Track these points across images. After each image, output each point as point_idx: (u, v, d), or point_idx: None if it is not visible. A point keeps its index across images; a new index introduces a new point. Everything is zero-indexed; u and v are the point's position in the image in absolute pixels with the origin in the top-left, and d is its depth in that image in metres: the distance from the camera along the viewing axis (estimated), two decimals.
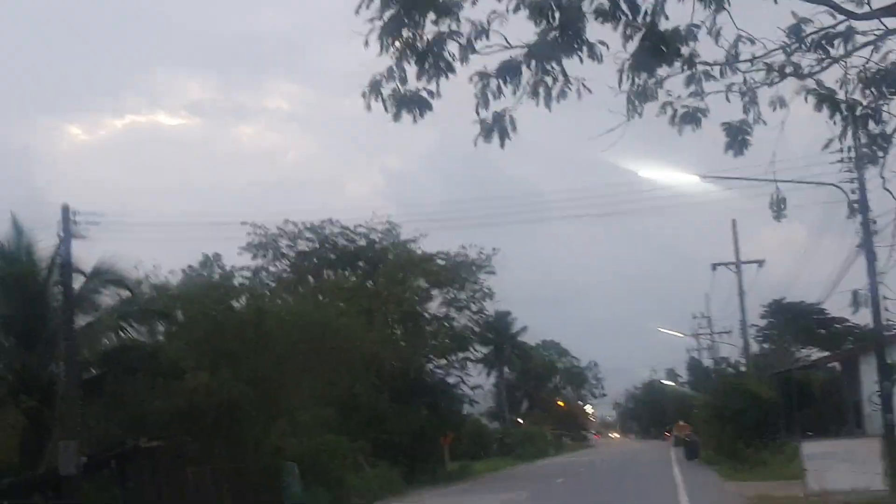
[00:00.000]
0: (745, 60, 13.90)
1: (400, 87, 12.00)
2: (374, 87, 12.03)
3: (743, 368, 60.62)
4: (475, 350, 52.41)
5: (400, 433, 45.28)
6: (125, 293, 29.36)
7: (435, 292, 51.05)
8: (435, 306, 51.41)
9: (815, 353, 64.52)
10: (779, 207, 16.11)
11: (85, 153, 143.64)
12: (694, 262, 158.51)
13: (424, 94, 12.09)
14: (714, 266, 52.40)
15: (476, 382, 55.63)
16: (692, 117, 13.79)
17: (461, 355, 52.05)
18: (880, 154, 14.98)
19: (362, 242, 52.09)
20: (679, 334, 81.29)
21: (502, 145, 12.12)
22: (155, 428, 28.65)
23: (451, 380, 52.87)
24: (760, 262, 52.06)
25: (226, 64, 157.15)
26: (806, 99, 14.39)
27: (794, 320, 69.25)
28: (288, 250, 52.55)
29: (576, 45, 12.05)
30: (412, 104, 12.32)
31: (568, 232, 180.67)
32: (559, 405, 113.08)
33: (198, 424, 29.01)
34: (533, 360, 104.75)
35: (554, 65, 12.59)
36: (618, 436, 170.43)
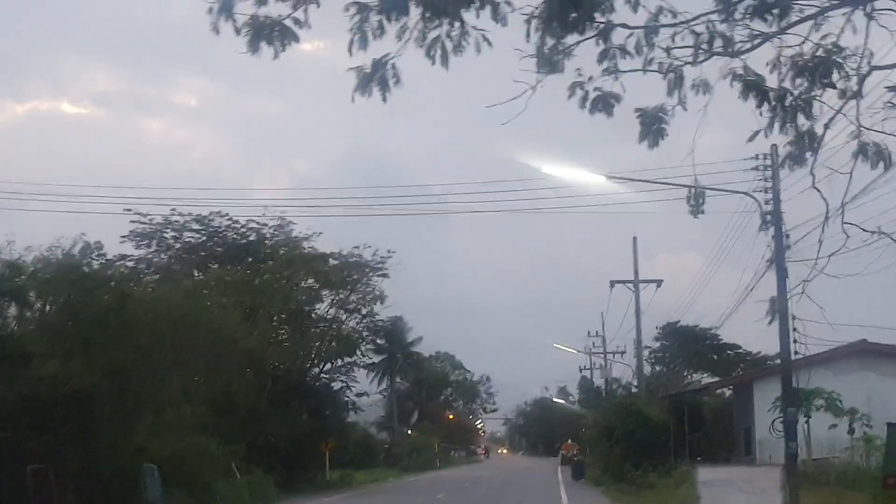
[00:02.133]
0: (668, 25, 11.92)
1: (258, 10, 9.87)
2: (226, 6, 9.69)
3: (634, 389, 59.28)
4: (363, 355, 49.82)
5: (278, 437, 42.48)
6: None
7: (325, 293, 48.39)
8: (324, 308, 48.80)
9: (707, 378, 63.59)
10: (696, 202, 14.07)
11: None
12: (593, 278, 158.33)
13: (290, 22, 10.02)
14: (612, 283, 50.52)
15: (363, 389, 53.01)
16: (605, 102, 12.06)
17: (348, 360, 49.37)
18: (808, 154, 13.21)
19: (252, 237, 49.25)
20: (573, 350, 79.71)
21: (384, 99, 10.37)
22: None
23: (336, 385, 50.17)
24: (659, 283, 50.33)
25: (134, 54, 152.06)
26: (731, 84, 12.66)
27: (687, 344, 68.41)
28: (173, 241, 49.51)
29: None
30: (273, 33, 10.10)
31: (467, 245, 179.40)
32: (449, 418, 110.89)
33: (44, 418, 25.92)
34: (426, 371, 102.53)
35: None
36: (506, 452, 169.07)
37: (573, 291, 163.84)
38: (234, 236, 49.38)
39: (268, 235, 49.06)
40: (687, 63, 13.09)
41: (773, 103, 12.91)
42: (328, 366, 49.72)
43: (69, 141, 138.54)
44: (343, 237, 51.72)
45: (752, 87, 12.82)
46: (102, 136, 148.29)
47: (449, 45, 10.82)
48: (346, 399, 51.24)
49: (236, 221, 48.95)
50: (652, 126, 11.66)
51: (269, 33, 10.06)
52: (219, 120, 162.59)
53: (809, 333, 24.29)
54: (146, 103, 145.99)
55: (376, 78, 11.49)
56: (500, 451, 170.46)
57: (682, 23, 12.28)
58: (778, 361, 54.25)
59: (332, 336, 47.11)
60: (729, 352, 68.41)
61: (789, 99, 12.98)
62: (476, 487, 47.35)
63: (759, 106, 12.42)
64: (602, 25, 11.98)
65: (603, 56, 12.09)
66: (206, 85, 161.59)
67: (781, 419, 23.20)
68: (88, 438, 26.98)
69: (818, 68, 12.98)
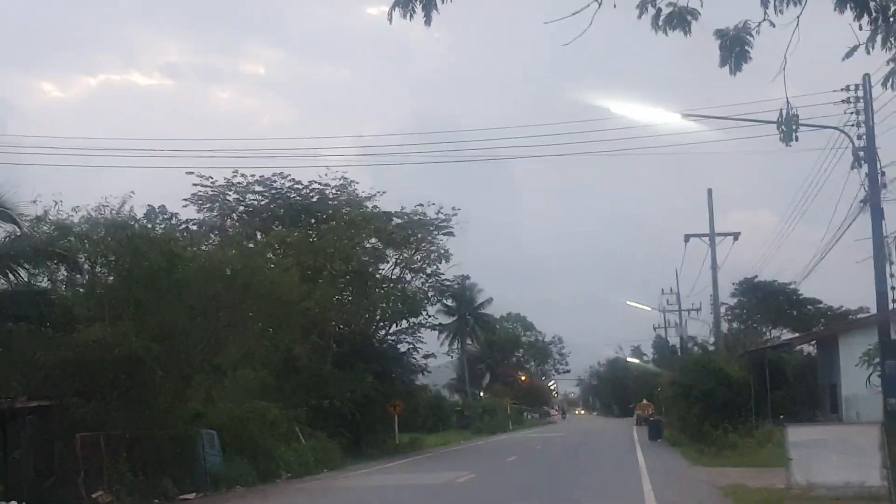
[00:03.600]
0: None
1: None
2: None
3: (711, 347, 57.07)
4: (428, 315, 48.19)
5: (343, 401, 41.14)
6: (15, 230, 24.98)
7: (389, 252, 46.83)
8: (388, 268, 47.25)
9: (786, 335, 61.06)
10: (789, 127, 12.15)
11: (57, 110, 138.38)
12: (666, 233, 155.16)
13: None
14: (687, 237, 48.31)
15: (431, 351, 51.35)
16: (680, 18, 10.17)
17: (414, 321, 47.77)
18: None
19: (315, 198, 47.81)
20: (646, 308, 77.47)
21: (427, 20, 9.24)
22: (43, 386, 24.37)
23: (402, 347, 48.65)
24: (736, 235, 47.97)
25: (203, 26, 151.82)
26: None
27: (765, 300, 65.83)
28: (236, 204, 48.33)
29: None
30: None
31: (536, 204, 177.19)
32: (521, 379, 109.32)
33: (93, 383, 24.70)
34: (497, 333, 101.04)
35: None
36: (583, 412, 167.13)
37: (646, 247, 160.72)
38: (297, 197, 48.00)
39: (330, 196, 47.59)
40: None
41: (875, 14, 10.82)
42: (394, 327, 48.24)
43: (139, 112, 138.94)
44: (408, 197, 50.05)
45: None
46: (172, 106, 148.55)
47: None
48: (414, 361, 49.76)
49: (298, 182, 47.61)
50: (734, 49, 10.37)
51: None
52: (286, 88, 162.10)
53: None
54: (214, 73, 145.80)
55: None
56: (576, 412, 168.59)
57: None
58: (864, 315, 51.88)
59: (396, 296, 45.55)
60: (809, 307, 65.66)
61: (893, 8, 11.04)
62: (547, 450, 45.67)
63: (858, 18, 10.46)
64: None
65: None
66: (274, 54, 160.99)
67: (879, 373, 21.03)
68: (140, 404, 25.75)
69: None
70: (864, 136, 20.21)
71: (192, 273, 26.49)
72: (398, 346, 48.47)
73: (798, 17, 11.98)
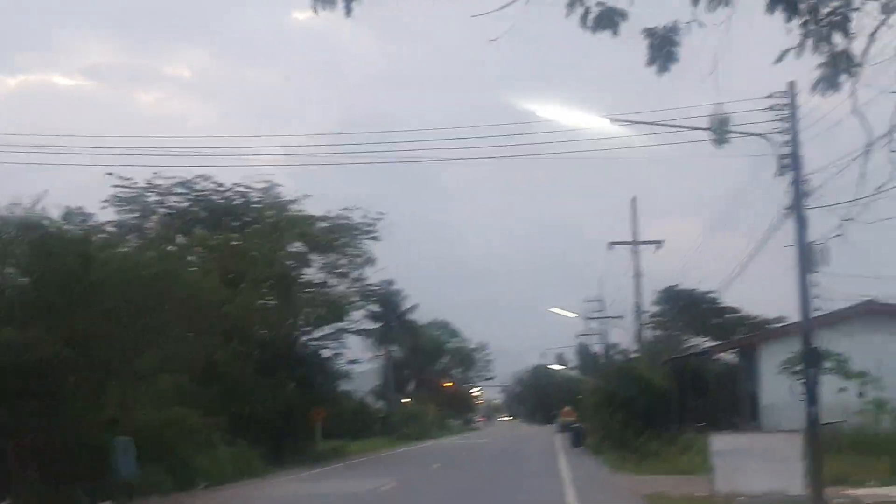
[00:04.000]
0: None
1: None
2: None
3: (634, 355, 57.33)
4: (353, 321, 47.63)
5: (265, 408, 40.36)
6: None
7: (314, 257, 46.14)
8: (312, 273, 46.52)
9: (707, 343, 61.54)
10: (720, 130, 11.98)
11: None
12: (592, 242, 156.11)
13: None
14: (611, 244, 48.39)
15: (355, 356, 50.77)
16: (608, 19, 9.88)
17: (338, 326, 47.13)
18: (843, 78, 11.04)
19: (238, 201, 46.98)
20: (570, 314, 77.77)
21: (348, 12, 8.85)
22: None
23: (326, 353, 47.98)
24: (659, 243, 48.11)
25: (125, 25, 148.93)
26: None
27: (686, 308, 66.45)
28: (157, 206, 47.27)
29: None
30: None
31: (463, 211, 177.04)
32: (446, 386, 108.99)
33: (0, 390, 23.74)
34: (422, 339, 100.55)
35: None
36: (509, 418, 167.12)
37: (572, 256, 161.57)
38: (220, 200, 47.12)
39: (254, 199, 46.80)
40: None
41: (805, 17, 10.76)
42: (318, 333, 47.52)
43: (60, 114, 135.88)
44: (335, 201, 49.28)
45: None
46: (94, 107, 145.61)
47: None
48: (337, 367, 49.13)
49: (221, 185, 46.74)
50: (662, 48, 10.02)
51: None
52: (212, 91, 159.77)
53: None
54: (139, 75, 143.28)
55: None
56: (502, 418, 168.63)
57: None
58: (783, 324, 52.41)
59: (320, 301, 44.88)
60: (729, 315, 66.47)
61: (823, 11, 10.78)
62: (471, 457, 45.34)
63: (788, 20, 10.18)
64: None
65: None
66: (199, 56, 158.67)
67: (802, 381, 21.00)
68: (51, 411, 24.80)
69: None
70: (790, 144, 20.15)
71: (108, 275, 25.60)
72: (321, 352, 47.81)
73: (729, 17, 11.77)
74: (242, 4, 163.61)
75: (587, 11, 11.66)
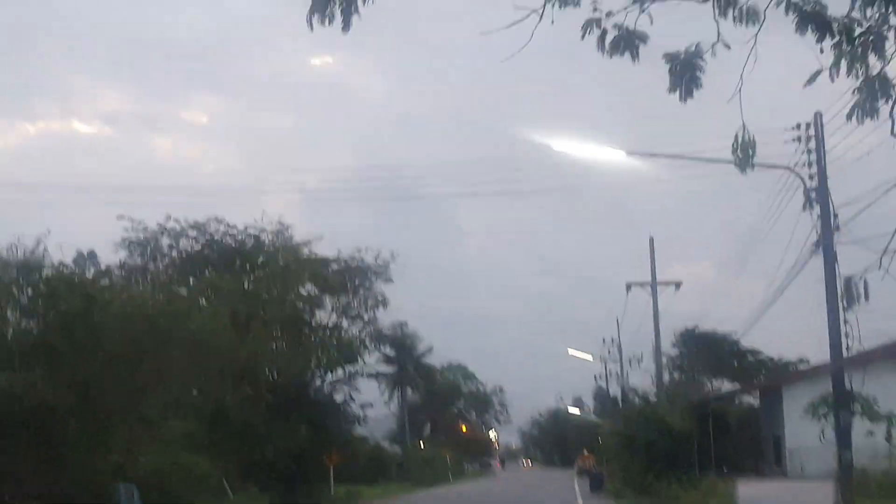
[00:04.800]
0: None
1: None
2: None
3: (653, 398, 56.07)
4: (365, 363, 46.60)
5: (277, 452, 39.33)
6: None
7: (326, 298, 45.24)
8: (325, 315, 45.62)
9: (727, 385, 60.26)
10: (745, 153, 11.03)
11: None
12: (608, 282, 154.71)
13: None
14: (629, 286, 47.34)
15: (368, 400, 49.61)
16: (628, 41, 9.48)
17: (350, 369, 46.13)
18: (882, 101, 10.11)
19: (250, 243, 46.18)
20: (588, 357, 76.52)
21: (346, 25, 8.45)
22: None
23: (339, 396, 46.93)
24: (677, 285, 47.06)
25: (143, 73, 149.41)
26: (786, 12, 9.62)
27: (706, 350, 65.18)
28: (169, 249, 46.54)
29: None
30: None
31: (479, 254, 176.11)
32: (462, 430, 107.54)
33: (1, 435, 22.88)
34: (437, 383, 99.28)
35: None
36: (526, 462, 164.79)
37: (589, 295, 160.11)
38: (232, 243, 46.36)
39: (266, 241, 46.01)
40: None
41: (838, 36, 9.89)
42: (330, 376, 46.54)
43: (80, 159, 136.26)
44: (347, 242, 48.42)
45: (811, 18, 9.78)
46: (113, 153, 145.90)
47: None
48: (351, 411, 48.08)
49: (233, 227, 46.01)
50: (685, 74, 9.60)
51: None
52: (228, 136, 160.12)
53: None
54: (155, 121, 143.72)
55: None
56: (522, 461, 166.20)
57: None
58: (804, 366, 51.12)
59: (332, 344, 43.93)
60: (750, 357, 65.18)
61: (858, 31, 9.94)
62: (489, 502, 44.12)
63: (820, 40, 9.72)
64: None
65: None
66: (216, 101, 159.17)
67: (833, 425, 19.93)
68: (53, 457, 23.92)
69: None
70: (816, 176, 19.24)
71: (111, 318, 24.75)
72: (334, 396, 46.79)
73: (756, 35, 10.92)
74: (259, 51, 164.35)
75: (604, 34, 10.75)
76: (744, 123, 11.23)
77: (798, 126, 19.36)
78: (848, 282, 10.77)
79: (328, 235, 46.01)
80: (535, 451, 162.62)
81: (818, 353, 47.93)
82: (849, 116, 11.34)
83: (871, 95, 11.16)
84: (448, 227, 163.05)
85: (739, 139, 11.04)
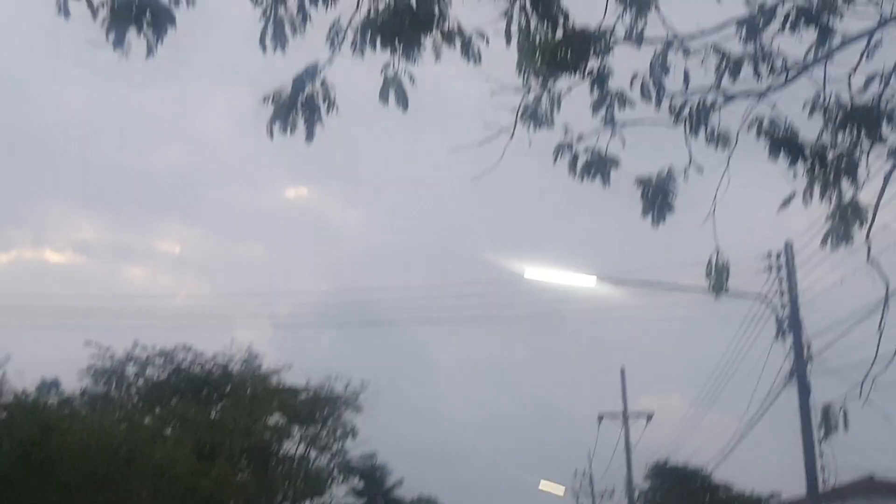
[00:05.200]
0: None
1: None
2: None
3: None
4: (333, 495, 45.22)
5: None
6: None
7: (294, 429, 44.25)
8: (292, 445, 44.53)
9: None
10: (720, 277, 10.88)
11: None
12: (580, 416, 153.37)
13: None
14: (601, 417, 46.80)
15: None
16: (598, 166, 9.65)
17: (318, 501, 44.81)
18: (854, 227, 10.26)
19: (218, 372, 45.34)
20: (560, 489, 75.09)
21: (310, 134, 8.51)
22: None
23: None
24: (649, 416, 46.58)
25: (117, 202, 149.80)
26: (758, 136, 9.88)
27: (678, 484, 64.15)
28: (135, 378, 45.58)
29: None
30: None
31: (451, 382, 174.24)
32: None
33: None
34: None
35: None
36: None
37: (560, 428, 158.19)
38: (200, 372, 45.52)
39: (234, 370, 45.19)
40: (704, 104, 10.42)
41: (810, 161, 10.08)
42: None
43: (53, 287, 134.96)
44: (317, 372, 47.52)
45: (782, 143, 10.04)
46: (85, 282, 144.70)
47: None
48: None
49: (201, 355, 45.24)
50: (657, 198, 9.70)
51: None
52: (200, 265, 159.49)
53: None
54: (128, 250, 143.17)
55: (301, 99, 8.61)
56: None
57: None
58: (775, 501, 50.23)
59: (299, 475, 42.76)
60: (722, 493, 64.14)
61: (830, 155, 10.15)
62: None
63: (793, 164, 9.87)
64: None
65: (599, 103, 9.63)
66: (189, 231, 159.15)
67: None
68: None
69: (864, 116, 9.98)
70: (788, 306, 19.04)
71: (70, 446, 23.91)
72: None
73: (728, 158, 10.86)
74: (233, 182, 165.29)
75: (576, 158, 10.62)
76: (717, 247, 11.05)
77: (770, 255, 19.26)
78: (826, 411, 10.41)
79: (299, 364, 45.14)
80: None
81: (793, 486, 47.30)
82: (823, 242, 11.18)
83: (844, 221, 11.01)
84: (420, 356, 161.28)
85: (713, 263, 10.85)
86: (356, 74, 8.56)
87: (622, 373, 46.07)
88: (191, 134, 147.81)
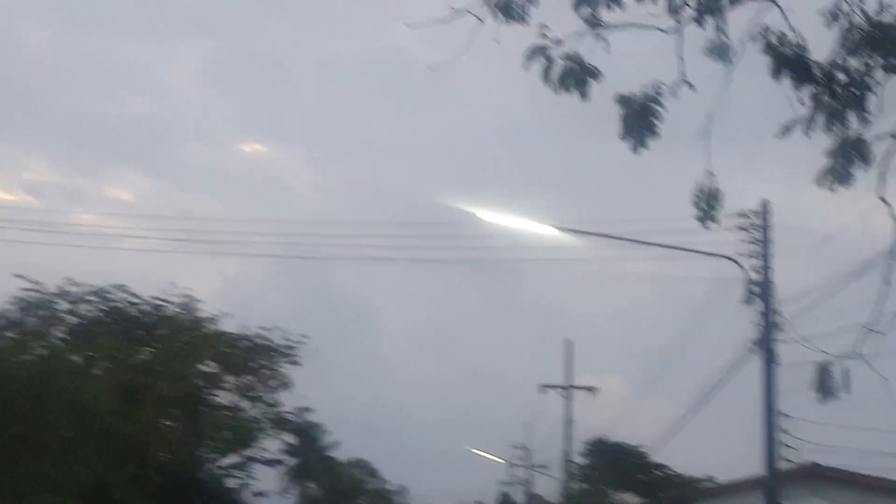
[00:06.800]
0: None
1: None
2: None
3: None
4: (263, 448, 43.43)
5: None
6: None
7: (227, 378, 42.42)
8: (224, 395, 42.68)
9: (633, 499, 58.34)
10: (709, 205, 9.52)
11: None
12: (521, 388, 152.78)
13: None
14: (543, 387, 45.51)
15: (265, 489, 46.16)
16: (578, 77, 8.32)
17: (246, 454, 42.99)
18: (859, 167, 9.04)
19: (153, 314, 43.34)
20: (496, 459, 74.31)
21: None
22: None
23: (231, 482, 43.61)
24: (592, 390, 45.38)
25: (72, 146, 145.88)
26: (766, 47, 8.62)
27: (614, 461, 63.25)
28: (68, 315, 43.47)
29: None
30: None
31: (396, 348, 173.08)
32: None
33: None
34: (341, 479, 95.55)
35: None
36: None
37: (501, 399, 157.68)
38: (135, 313, 43.49)
39: (170, 314, 43.19)
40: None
41: (817, 86, 8.76)
42: (225, 461, 43.34)
43: None
44: (256, 321, 45.59)
45: (788, 62, 8.67)
46: (33, 225, 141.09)
47: None
48: (244, 499, 44.69)
49: (137, 296, 43.22)
50: (637, 122, 8.47)
51: None
52: (152, 216, 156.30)
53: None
54: (80, 195, 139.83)
55: None
56: None
57: None
58: (708, 484, 49.37)
59: (228, 424, 40.96)
60: (658, 472, 63.28)
61: (840, 80, 8.78)
62: None
63: (797, 86, 8.63)
64: None
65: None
66: (141, 180, 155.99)
67: None
68: None
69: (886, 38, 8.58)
70: (762, 270, 17.57)
71: None
72: (227, 482, 43.52)
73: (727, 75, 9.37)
74: (189, 133, 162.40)
75: (550, 64, 9.09)
76: (710, 171, 9.51)
77: (744, 214, 17.77)
78: (823, 369, 8.84)
79: (240, 318, 43.24)
80: None
81: (725, 472, 46.30)
82: (819, 182, 9.63)
83: (846, 159, 9.66)
84: (364, 318, 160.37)
85: (705, 189, 9.33)
86: None
87: (568, 344, 44.83)
88: (153, 85, 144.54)
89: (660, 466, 62.59)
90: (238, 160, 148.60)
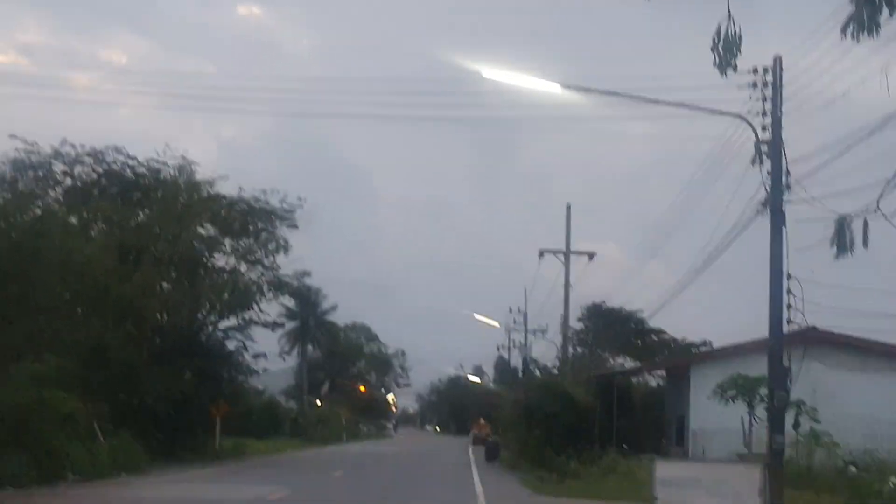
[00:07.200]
0: None
1: None
2: None
3: (555, 371, 54.12)
4: (262, 310, 43.29)
5: (157, 398, 36.20)
6: None
7: (226, 241, 41.95)
8: (223, 258, 42.30)
9: (629, 363, 58.62)
10: (728, 50, 8.55)
11: None
12: (519, 252, 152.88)
13: None
14: (542, 252, 45.00)
15: (262, 350, 46.16)
16: None
17: (245, 317, 42.85)
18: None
19: (150, 176, 42.60)
20: (495, 323, 74.64)
21: None
22: None
23: (230, 344, 43.65)
24: (591, 255, 44.86)
25: (64, 5, 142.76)
26: None
27: (611, 327, 63.47)
28: (63, 176, 42.73)
29: None
30: None
31: (393, 213, 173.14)
32: (361, 391, 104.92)
33: None
34: (340, 341, 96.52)
35: None
36: (436, 429, 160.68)
37: (499, 263, 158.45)
38: (131, 175, 42.76)
39: (167, 176, 42.46)
40: None
41: None
42: (224, 323, 43.27)
43: None
44: (253, 184, 44.73)
45: None
46: (26, 86, 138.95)
47: None
48: (243, 361, 44.81)
49: (134, 158, 42.43)
50: None
51: None
52: (148, 79, 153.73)
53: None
54: (74, 56, 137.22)
55: None
56: (427, 427, 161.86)
57: None
58: (706, 348, 49.53)
59: (226, 286, 40.65)
60: (654, 337, 63.61)
61: None
62: (379, 465, 41.56)
63: None
64: None
65: None
66: (137, 42, 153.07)
67: (766, 406, 17.73)
68: None
69: None
70: (770, 128, 16.84)
71: None
72: (226, 344, 43.55)
73: None
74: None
75: None
76: (730, 13, 8.76)
77: (755, 70, 16.94)
78: (841, 223, 8.24)
79: (237, 181, 42.49)
80: (433, 416, 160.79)
81: (725, 337, 46.41)
82: (843, 30, 8.89)
83: (871, 4, 8.89)
84: (362, 183, 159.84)
85: (722, 33, 8.57)
86: None
87: (568, 209, 44.24)
88: None
89: (656, 331, 62.91)
90: (233, 22, 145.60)
